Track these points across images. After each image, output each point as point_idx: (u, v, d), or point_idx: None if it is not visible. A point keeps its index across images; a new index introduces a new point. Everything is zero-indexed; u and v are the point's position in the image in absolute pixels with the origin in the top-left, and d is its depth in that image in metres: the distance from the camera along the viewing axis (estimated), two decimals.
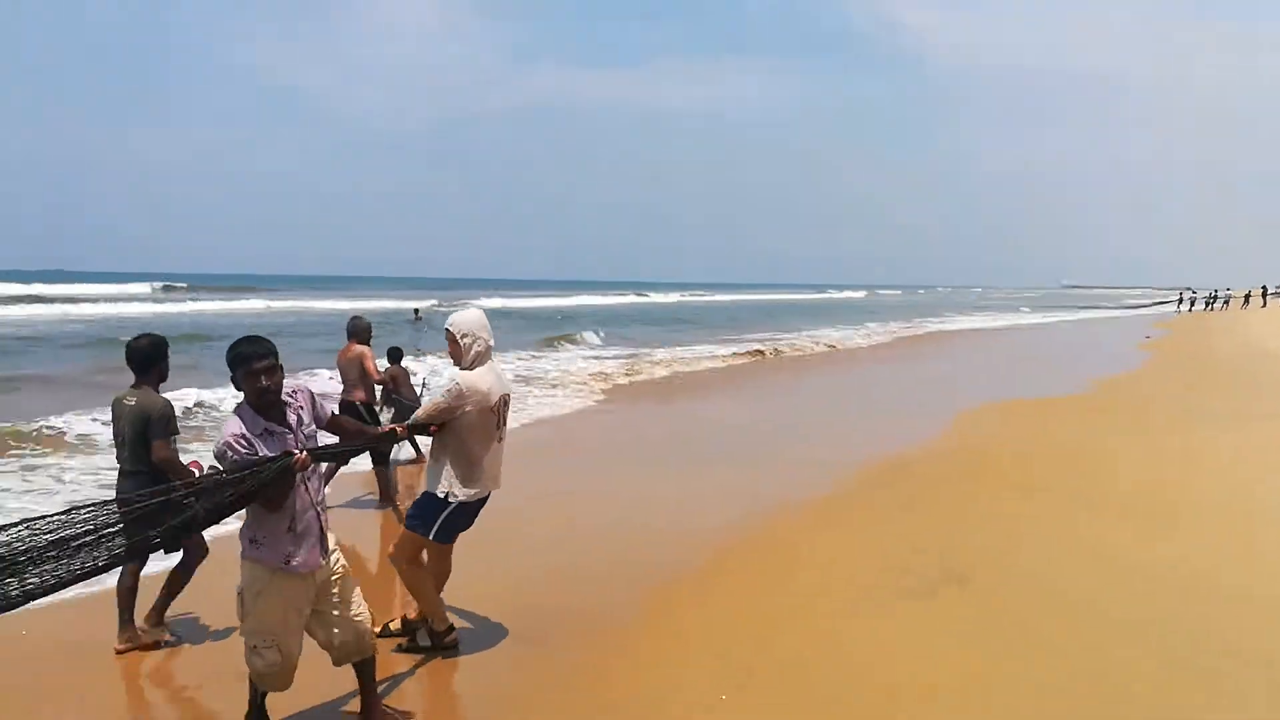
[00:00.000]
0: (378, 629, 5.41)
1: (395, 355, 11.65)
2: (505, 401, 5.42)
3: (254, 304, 59.77)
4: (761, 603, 6.33)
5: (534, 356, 25.47)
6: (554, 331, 35.52)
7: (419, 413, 5.36)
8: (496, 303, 66.74)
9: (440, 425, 5.25)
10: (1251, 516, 8.35)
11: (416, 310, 48.39)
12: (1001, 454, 11.43)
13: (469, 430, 5.21)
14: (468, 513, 5.42)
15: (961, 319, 56.34)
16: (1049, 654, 5.42)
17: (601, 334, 35.21)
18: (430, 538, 5.34)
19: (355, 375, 9.16)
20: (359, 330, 9.31)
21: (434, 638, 5.51)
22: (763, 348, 28.96)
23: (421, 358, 20.18)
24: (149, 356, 5.48)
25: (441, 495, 5.29)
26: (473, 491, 5.29)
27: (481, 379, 5.21)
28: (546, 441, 12.69)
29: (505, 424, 5.45)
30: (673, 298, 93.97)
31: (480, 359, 5.26)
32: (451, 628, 5.56)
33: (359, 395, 9.20)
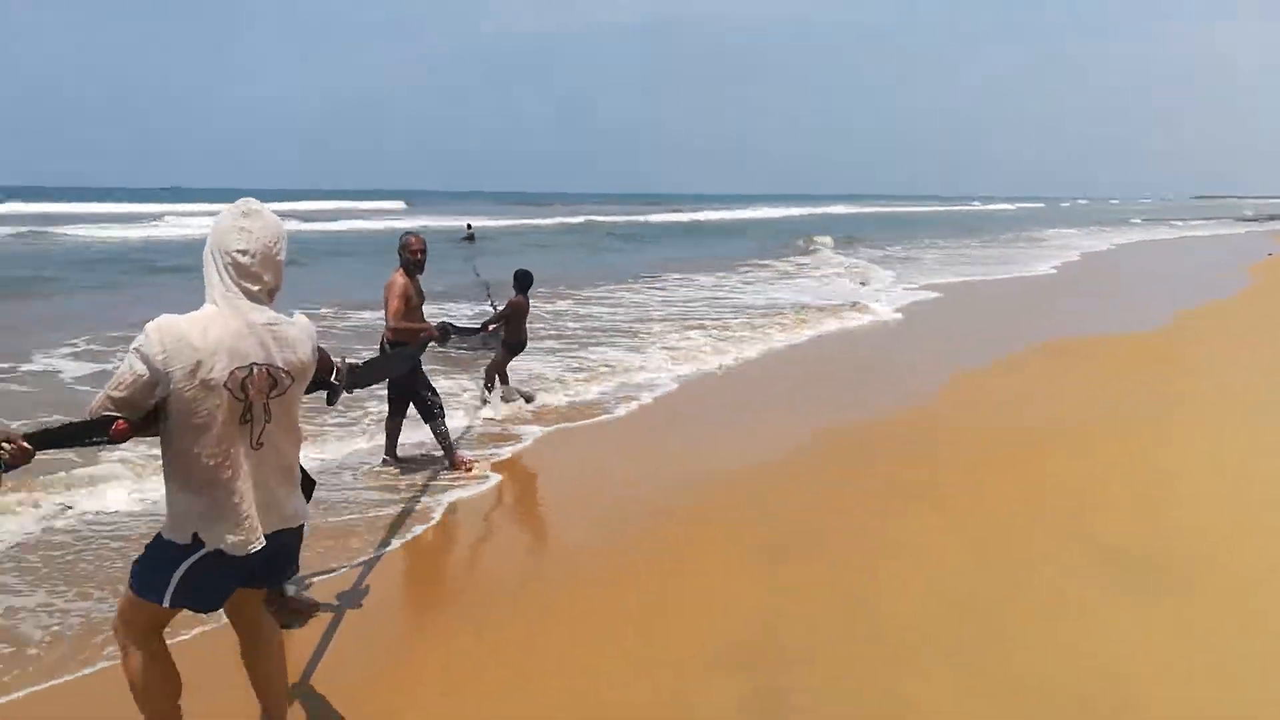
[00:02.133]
0: None
1: (521, 280, 9.18)
2: (268, 375, 2.87)
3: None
4: None
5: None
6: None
7: (94, 402, 2.85)
8: (678, 217, 64.39)
9: (140, 420, 2.82)
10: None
11: (469, 227, 38.51)
12: (966, 434, 7.89)
13: (179, 424, 2.79)
14: (227, 569, 2.94)
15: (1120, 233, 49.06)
16: None
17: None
18: (166, 603, 2.92)
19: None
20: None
21: None
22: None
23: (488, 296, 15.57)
24: None
25: (167, 538, 2.92)
26: (215, 535, 2.84)
27: (199, 328, 2.76)
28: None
29: (271, 416, 2.92)
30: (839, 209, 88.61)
31: (225, 295, 2.85)
32: None
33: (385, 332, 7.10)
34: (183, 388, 2.74)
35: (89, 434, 2.81)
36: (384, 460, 7.22)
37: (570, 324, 14.97)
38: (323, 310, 14.99)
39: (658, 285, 21.40)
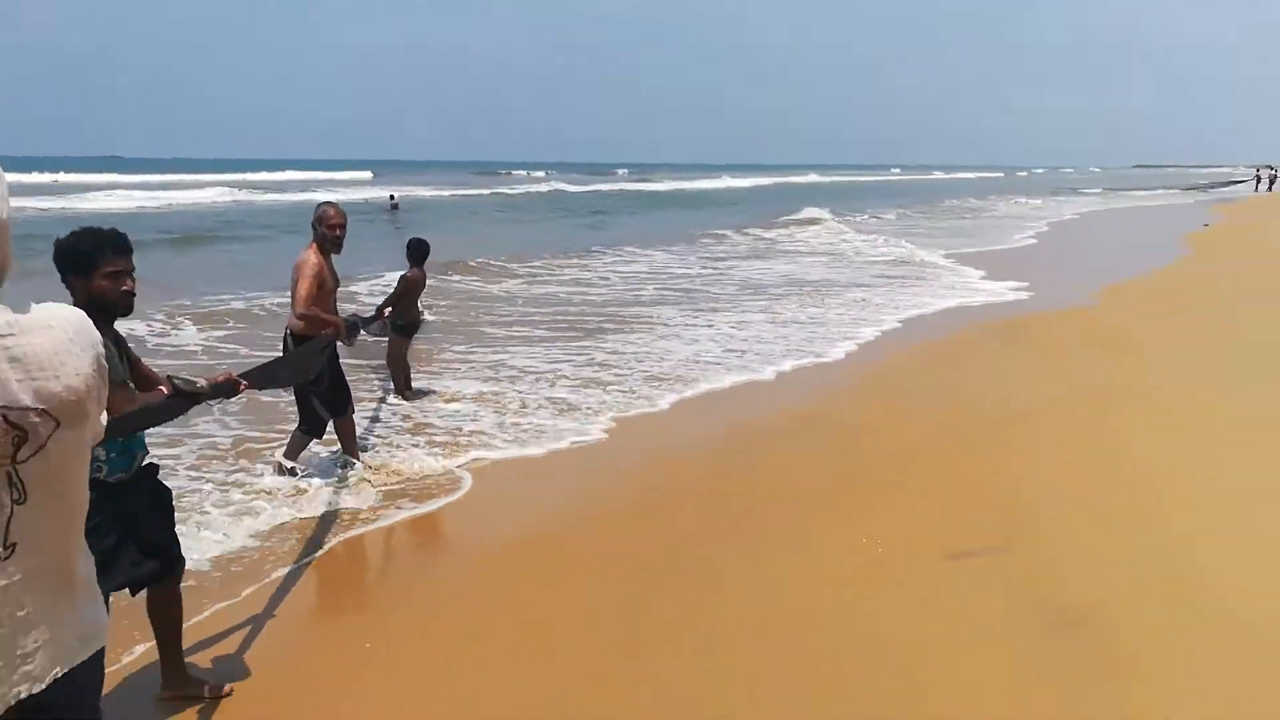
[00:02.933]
0: None
1: (418, 250, 8.35)
2: (6, 427, 1.67)
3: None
4: None
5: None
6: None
7: None
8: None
9: None
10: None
11: (392, 198, 36.70)
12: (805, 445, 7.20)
13: None
14: None
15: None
16: None
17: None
18: None
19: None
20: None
21: None
22: None
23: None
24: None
25: None
26: None
27: None
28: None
29: (26, 491, 1.73)
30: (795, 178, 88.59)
31: None
32: None
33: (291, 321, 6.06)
34: None
35: None
36: (345, 462, 6.50)
37: (535, 309, 13.80)
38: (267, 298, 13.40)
39: (671, 259, 20.92)
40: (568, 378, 9.36)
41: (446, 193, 51.96)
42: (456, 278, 16.53)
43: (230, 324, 11.87)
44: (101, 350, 1.88)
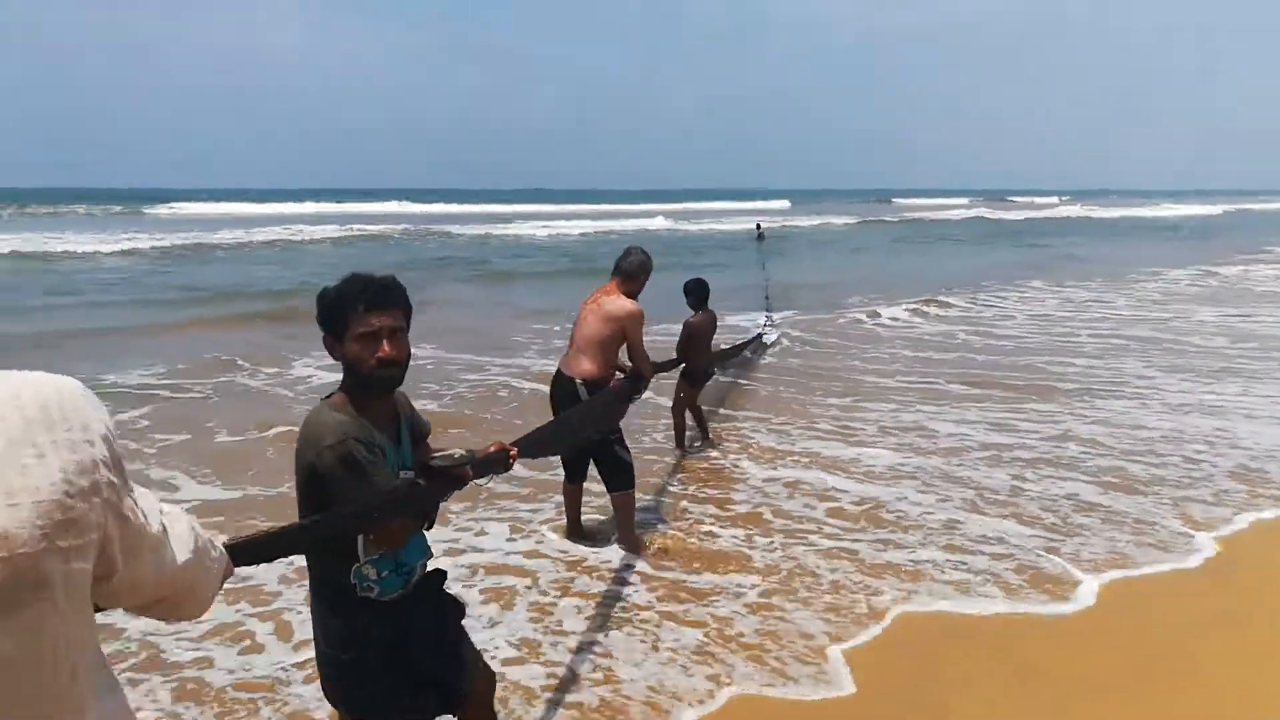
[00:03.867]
0: None
1: (696, 292, 7.20)
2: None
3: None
4: None
5: None
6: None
7: None
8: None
9: None
10: None
11: (758, 226, 32.83)
12: None
13: None
14: None
15: None
16: None
17: None
18: None
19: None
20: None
21: None
22: None
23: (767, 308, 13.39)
24: None
25: None
26: None
27: None
28: None
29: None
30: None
31: None
32: None
33: (586, 367, 5.22)
34: None
35: None
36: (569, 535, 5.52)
37: (922, 353, 11.30)
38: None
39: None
40: (1049, 461, 6.56)
41: (841, 220, 49.74)
42: (819, 314, 14.38)
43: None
44: (103, 452, 1.02)
